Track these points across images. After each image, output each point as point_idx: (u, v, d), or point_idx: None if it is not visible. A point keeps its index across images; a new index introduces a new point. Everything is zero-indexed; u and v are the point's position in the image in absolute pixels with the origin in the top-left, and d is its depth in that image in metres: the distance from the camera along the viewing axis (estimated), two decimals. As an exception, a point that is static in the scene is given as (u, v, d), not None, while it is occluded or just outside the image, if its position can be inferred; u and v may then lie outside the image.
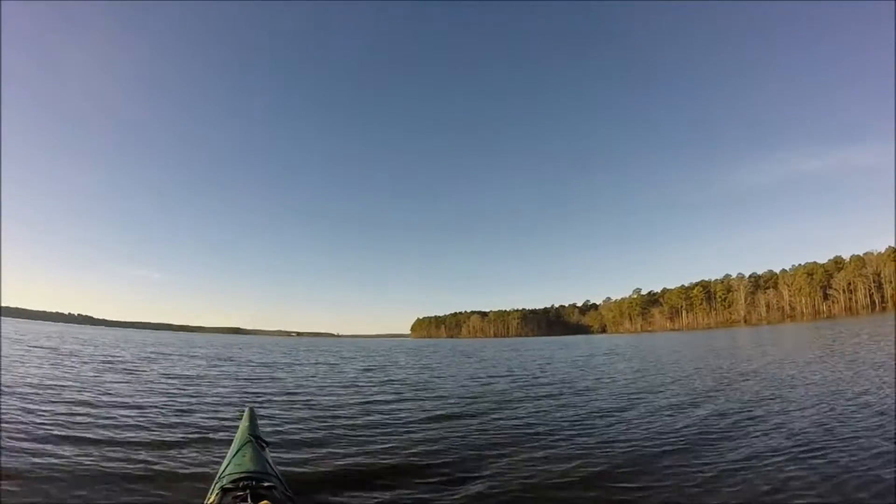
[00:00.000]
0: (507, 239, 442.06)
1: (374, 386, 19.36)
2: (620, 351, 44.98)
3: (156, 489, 6.35)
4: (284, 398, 15.24)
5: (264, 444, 5.61)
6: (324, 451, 8.60)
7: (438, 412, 12.83)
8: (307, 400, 14.89)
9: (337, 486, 6.75)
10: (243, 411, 6.37)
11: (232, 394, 15.80)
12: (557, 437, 9.78)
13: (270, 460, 5.25)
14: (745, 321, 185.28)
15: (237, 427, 6.05)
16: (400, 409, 13.32)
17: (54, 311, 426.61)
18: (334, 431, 10.22)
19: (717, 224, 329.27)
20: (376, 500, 6.28)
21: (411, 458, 8.18)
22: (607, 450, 8.68)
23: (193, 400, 14.09)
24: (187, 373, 22.23)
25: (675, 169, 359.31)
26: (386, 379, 22.58)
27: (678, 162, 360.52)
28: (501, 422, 11.50)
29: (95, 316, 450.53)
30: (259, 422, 6.20)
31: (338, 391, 17.49)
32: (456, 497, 6.41)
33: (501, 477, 7.20)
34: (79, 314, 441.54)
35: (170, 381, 18.76)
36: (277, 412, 12.45)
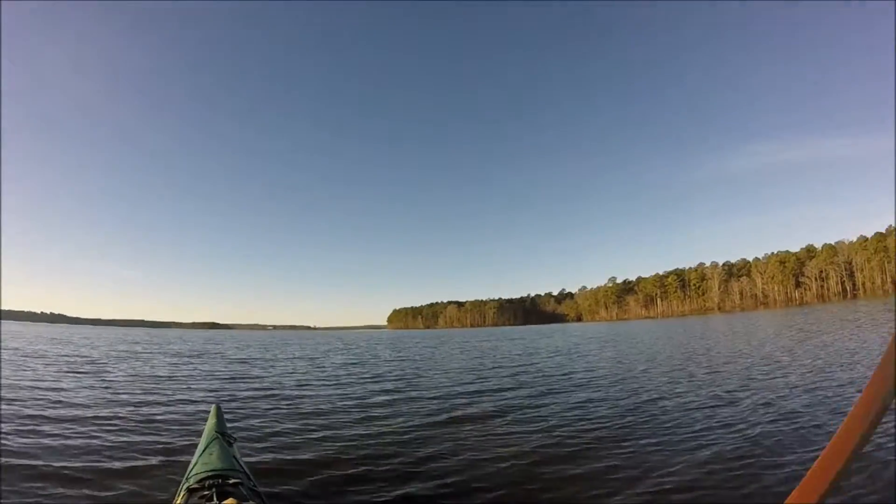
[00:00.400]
0: (484, 230, 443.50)
1: (355, 381, 18.68)
2: (608, 338, 44.30)
3: (123, 493, 6.20)
4: (261, 397, 14.53)
5: (231, 441, 5.47)
6: (298, 448, 8.47)
7: (424, 409, 12.35)
8: (284, 398, 14.30)
9: (308, 482, 6.70)
10: (210, 408, 6.21)
11: (205, 394, 14.80)
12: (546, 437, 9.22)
13: (238, 456, 5.16)
14: (719, 308, 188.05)
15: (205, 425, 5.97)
16: (382, 406, 12.89)
17: (25, 310, 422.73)
18: (312, 430, 9.91)
19: (692, 213, 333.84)
20: (349, 495, 6.26)
21: (391, 457, 7.93)
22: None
23: (163, 400, 13.33)
24: (157, 372, 21.16)
25: (650, 159, 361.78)
26: (367, 373, 21.94)
27: (654, 152, 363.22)
28: (492, 418, 11.09)
29: (69, 314, 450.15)
30: (235, 423, 6.77)
31: (316, 387, 16.98)
32: (431, 494, 6.33)
33: (484, 476, 7.01)
34: (51, 312, 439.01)
35: (137, 381, 17.73)
36: (252, 412, 11.95)
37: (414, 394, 14.93)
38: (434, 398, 13.90)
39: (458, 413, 11.59)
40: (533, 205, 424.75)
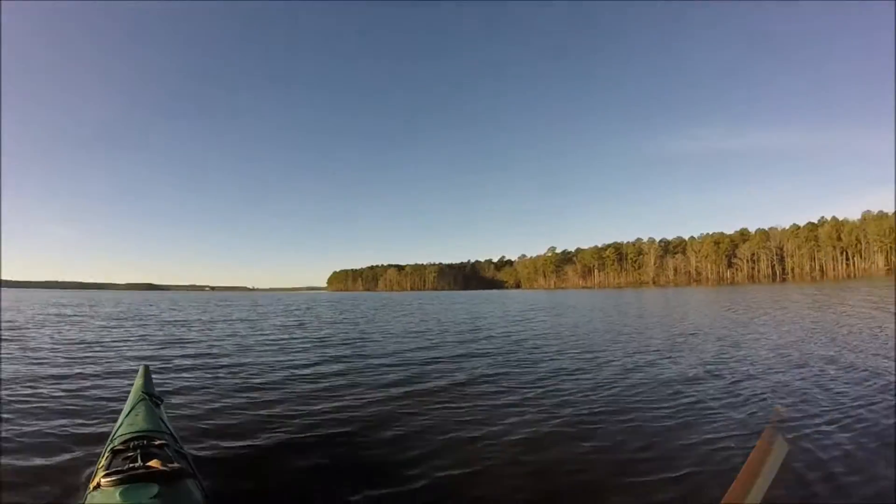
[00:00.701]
0: (424, 194, 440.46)
1: (296, 345, 17.85)
2: (547, 305, 43.38)
3: (45, 458, 5.85)
4: (195, 361, 13.76)
5: (159, 401, 5.47)
6: (230, 413, 8.14)
7: (371, 375, 11.78)
8: (219, 363, 13.60)
9: (237, 447, 6.44)
10: (138, 369, 6.19)
11: (136, 360, 13.44)
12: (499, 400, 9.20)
13: (164, 417, 5.12)
14: (654, 282, 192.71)
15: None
16: (324, 372, 12.31)
17: None
18: (246, 395, 9.53)
19: (633, 188, 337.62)
20: (278, 461, 6.04)
21: (331, 424, 7.58)
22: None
23: (88, 367, 12.44)
24: (85, 337, 19.74)
25: (596, 132, 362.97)
26: (309, 337, 21.09)
27: (602, 125, 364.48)
28: (437, 383, 10.72)
29: None
30: (165, 387, 6.76)
31: (254, 351, 16.21)
32: (368, 463, 6.06)
33: (428, 446, 6.60)
34: None
35: (63, 346, 16.46)
36: (185, 376, 11.46)
37: (359, 360, 14.26)
38: (381, 364, 13.32)
39: (406, 380, 11.14)
40: (475, 171, 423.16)
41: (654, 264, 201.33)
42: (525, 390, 9.81)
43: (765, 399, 8.68)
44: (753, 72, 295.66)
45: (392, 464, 5.95)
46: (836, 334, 16.82)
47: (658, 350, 14.61)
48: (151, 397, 5.42)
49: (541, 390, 9.80)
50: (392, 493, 5.20)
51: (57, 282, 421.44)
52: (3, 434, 6.73)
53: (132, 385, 5.96)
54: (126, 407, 5.24)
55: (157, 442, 4.16)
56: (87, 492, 3.47)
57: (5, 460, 5.76)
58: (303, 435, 6.99)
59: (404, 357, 14.69)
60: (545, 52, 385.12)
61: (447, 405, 8.69)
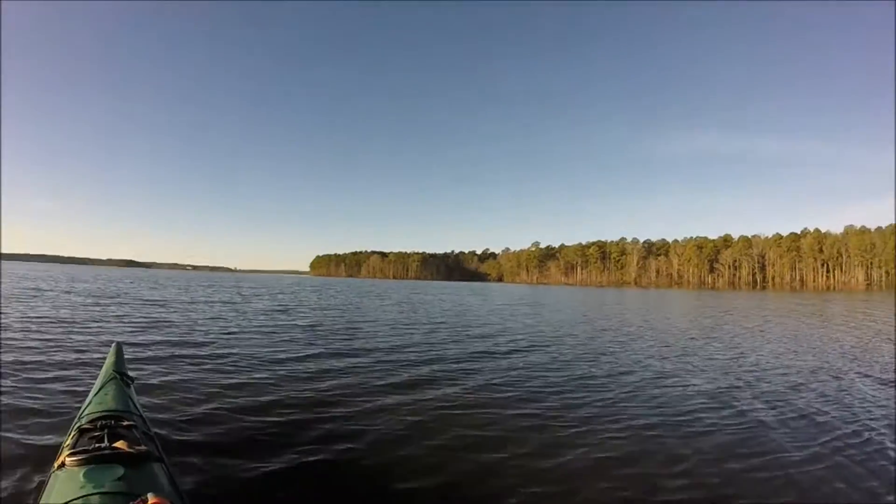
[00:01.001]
0: (411, 182, 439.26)
1: (280, 331, 17.20)
2: (535, 301, 43.27)
3: (10, 435, 5.80)
4: (173, 344, 13.14)
5: (129, 381, 5.26)
6: (205, 399, 7.86)
7: (358, 365, 11.37)
8: (197, 346, 13.13)
9: (209, 433, 6.29)
10: (110, 347, 5.91)
11: (111, 337, 12.66)
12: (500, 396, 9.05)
13: (135, 398, 4.95)
14: (636, 283, 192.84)
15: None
16: (307, 359, 11.85)
17: None
18: (224, 380, 9.18)
19: (619, 188, 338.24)
20: (250, 450, 5.82)
21: (311, 413, 7.40)
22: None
23: (59, 345, 11.97)
24: (59, 314, 18.85)
25: (586, 129, 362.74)
26: (293, 322, 20.42)
27: (590, 122, 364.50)
28: (426, 378, 10.28)
29: None
30: (139, 370, 6.81)
31: (235, 336, 15.56)
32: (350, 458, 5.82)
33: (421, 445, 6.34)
34: None
35: (32, 324, 15.60)
36: (161, 358, 11.04)
37: (345, 349, 13.65)
38: (370, 356, 12.64)
39: (396, 374, 10.58)
40: (462, 161, 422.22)
41: (637, 265, 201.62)
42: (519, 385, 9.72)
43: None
44: (749, 74, 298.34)
45: (372, 460, 5.77)
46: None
47: (674, 356, 13.72)
48: (122, 376, 5.18)
49: (534, 380, 10.05)
50: (371, 492, 5.07)
51: (34, 255, 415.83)
52: None
53: (103, 363, 5.67)
54: (96, 385, 5.03)
55: (126, 423, 4.04)
56: (52, 471, 3.30)
57: None
58: (278, 426, 6.73)
59: (393, 347, 14.19)
60: (538, 49, 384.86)
61: (431, 401, 8.32)
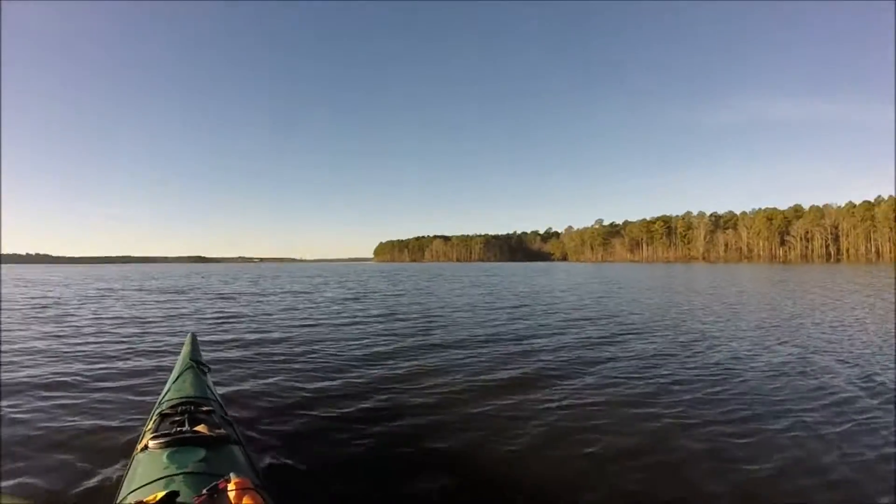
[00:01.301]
0: (473, 165, 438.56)
1: (355, 320, 16.10)
2: (610, 279, 39.93)
3: (95, 422, 6.03)
4: (247, 336, 12.83)
5: (206, 370, 5.45)
6: (281, 390, 7.63)
7: (447, 354, 10.30)
8: (271, 338, 12.63)
9: (285, 421, 6.19)
10: (185, 337, 6.15)
11: (185, 331, 12.05)
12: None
13: (211, 385, 5.11)
14: (704, 258, 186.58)
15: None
16: (385, 349, 10.98)
17: (9, 252, 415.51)
18: (300, 371, 8.83)
19: (683, 160, 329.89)
20: (325, 436, 5.68)
21: (381, 405, 6.90)
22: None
23: (140, 340, 12.23)
24: (133, 312, 18.63)
25: (646, 103, 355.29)
26: (367, 311, 19.10)
27: (650, 96, 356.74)
28: (509, 371, 8.85)
29: (53, 254, 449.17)
30: (214, 360, 7.44)
31: (309, 326, 14.71)
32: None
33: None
34: (36, 253, 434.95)
35: (109, 320, 15.93)
36: (235, 351, 10.78)
37: (423, 335, 12.88)
38: (452, 341, 11.75)
39: (485, 362, 9.46)
40: (523, 142, 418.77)
41: (704, 239, 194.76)
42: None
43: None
44: (809, 37, 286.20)
45: (458, 456, 5.20)
46: None
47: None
48: (199, 365, 5.40)
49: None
50: (449, 486, 4.57)
51: (107, 257, 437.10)
52: (59, 402, 6.89)
53: (179, 353, 5.86)
54: (173, 374, 5.21)
55: (204, 408, 4.08)
56: (135, 453, 3.43)
57: (59, 424, 5.95)
58: (352, 415, 6.43)
59: (475, 333, 12.95)
60: (589, 25, 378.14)
61: (540, 401, 6.97)
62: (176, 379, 4.97)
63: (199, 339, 6.31)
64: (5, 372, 8.95)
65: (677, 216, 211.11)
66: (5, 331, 13.49)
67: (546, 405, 6.75)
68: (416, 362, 9.45)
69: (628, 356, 9.94)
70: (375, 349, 10.80)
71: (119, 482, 3.29)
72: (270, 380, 8.13)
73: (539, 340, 11.76)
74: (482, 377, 8.23)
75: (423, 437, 5.64)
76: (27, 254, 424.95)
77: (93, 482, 4.45)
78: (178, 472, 2.92)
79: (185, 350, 5.73)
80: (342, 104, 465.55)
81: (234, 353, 10.33)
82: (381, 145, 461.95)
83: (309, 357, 10.00)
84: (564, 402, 6.85)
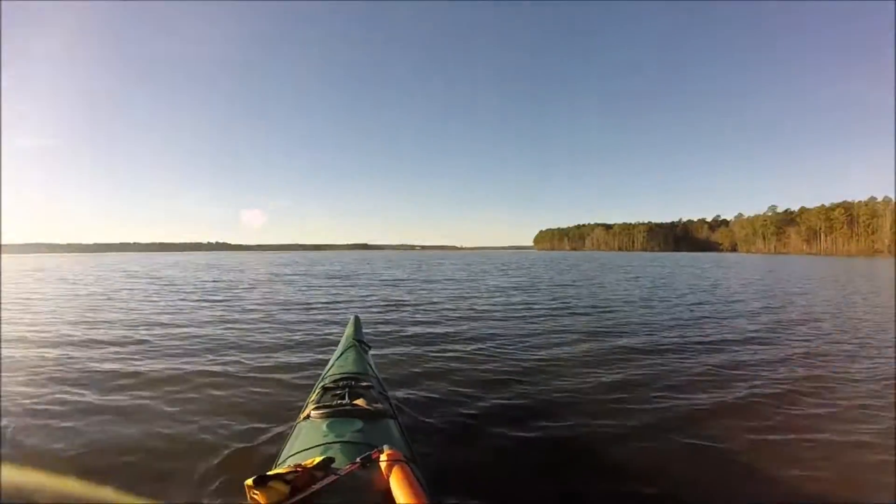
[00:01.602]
0: (631, 149, 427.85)
1: (525, 312, 15.17)
2: (801, 276, 35.10)
3: (263, 391, 6.64)
4: (412, 318, 13.60)
5: (367, 348, 5.75)
6: (439, 369, 7.86)
7: (615, 349, 9.63)
8: (438, 321, 13.00)
9: (442, 401, 6.34)
10: (349, 319, 6.53)
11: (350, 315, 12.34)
12: None
13: (372, 363, 5.33)
14: (889, 251, 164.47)
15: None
16: (553, 341, 10.36)
17: (193, 241, 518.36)
18: (464, 357, 8.80)
19: (863, 138, 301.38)
20: (484, 423, 5.60)
21: (550, 399, 6.47)
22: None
23: (309, 320, 13.23)
24: (299, 297, 19.61)
25: (812, 75, 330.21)
26: (534, 301, 18.25)
27: (819, 69, 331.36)
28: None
29: (231, 243, 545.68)
30: (377, 341, 8.07)
31: (475, 313, 14.71)
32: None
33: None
34: (216, 241, 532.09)
35: (270, 305, 16.87)
36: (398, 332, 11.29)
37: (602, 332, 11.60)
38: (636, 340, 10.54)
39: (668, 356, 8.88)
40: (687, 123, 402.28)
41: (891, 229, 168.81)
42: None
43: None
44: None
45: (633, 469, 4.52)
46: None
47: None
48: (361, 343, 5.66)
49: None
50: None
51: (281, 245, 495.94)
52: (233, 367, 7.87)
53: (343, 334, 6.18)
54: (337, 351, 5.51)
55: (364, 384, 4.28)
56: (297, 421, 3.70)
57: (232, 392, 6.59)
58: (513, 409, 6.10)
59: (664, 338, 10.89)
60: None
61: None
62: (339, 355, 5.28)
63: (362, 321, 6.59)
64: (248, 333, 10.98)
65: (860, 202, 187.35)
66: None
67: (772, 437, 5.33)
68: (590, 360, 8.61)
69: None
70: (544, 343, 10.10)
71: (281, 447, 3.51)
72: (430, 364, 8.22)
73: (752, 350, 9.60)
74: (677, 395, 6.71)
75: (595, 443, 5.12)
76: (207, 242, 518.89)
77: (257, 444, 4.89)
78: (336, 440, 3.11)
79: (349, 330, 6.11)
80: (511, 92, 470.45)
81: (396, 337, 10.62)
82: (540, 135, 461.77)
83: (474, 346, 9.76)
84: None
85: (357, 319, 6.44)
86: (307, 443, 3.16)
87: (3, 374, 7.65)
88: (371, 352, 5.83)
